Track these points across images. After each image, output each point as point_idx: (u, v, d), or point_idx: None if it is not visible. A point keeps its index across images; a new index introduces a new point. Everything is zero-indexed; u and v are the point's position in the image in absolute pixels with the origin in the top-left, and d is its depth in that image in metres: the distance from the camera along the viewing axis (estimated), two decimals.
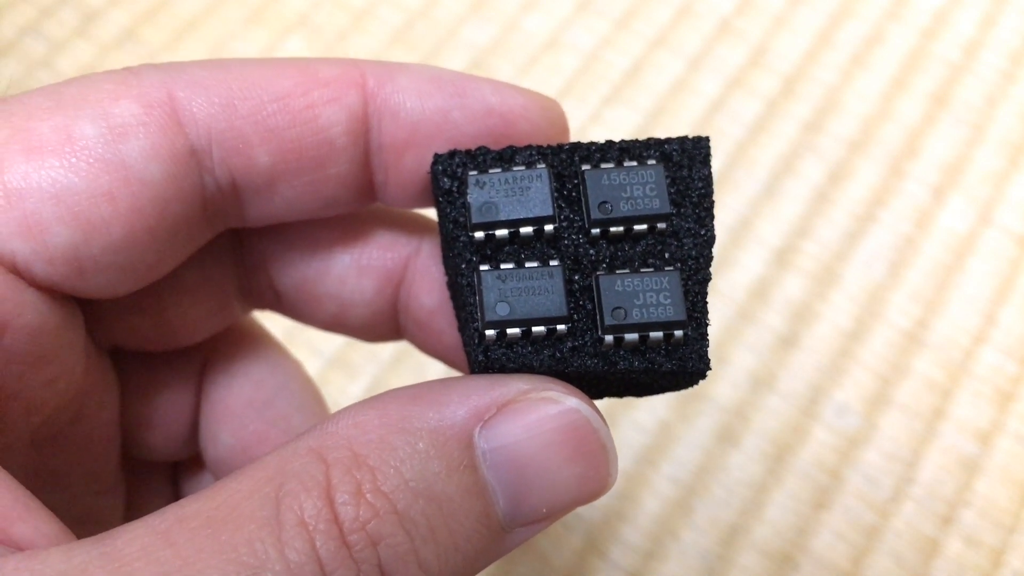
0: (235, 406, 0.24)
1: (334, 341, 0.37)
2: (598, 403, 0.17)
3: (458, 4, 0.46)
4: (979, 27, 0.45)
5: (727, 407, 0.36)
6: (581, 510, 0.34)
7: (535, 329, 0.17)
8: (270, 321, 0.26)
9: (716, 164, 0.42)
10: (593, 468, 0.17)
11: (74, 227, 0.17)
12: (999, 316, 0.38)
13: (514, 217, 0.17)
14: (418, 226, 0.23)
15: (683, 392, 0.36)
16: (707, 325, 0.17)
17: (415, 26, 0.45)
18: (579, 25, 0.45)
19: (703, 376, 0.18)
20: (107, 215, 0.17)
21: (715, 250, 0.18)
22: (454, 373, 0.24)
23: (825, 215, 0.40)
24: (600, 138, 0.19)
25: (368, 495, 0.14)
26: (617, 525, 0.34)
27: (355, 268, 0.22)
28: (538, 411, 0.16)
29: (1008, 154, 0.42)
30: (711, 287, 0.36)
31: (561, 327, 0.17)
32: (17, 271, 0.17)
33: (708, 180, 0.18)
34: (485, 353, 0.17)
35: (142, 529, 0.14)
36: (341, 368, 0.37)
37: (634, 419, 0.36)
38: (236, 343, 0.24)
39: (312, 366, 0.26)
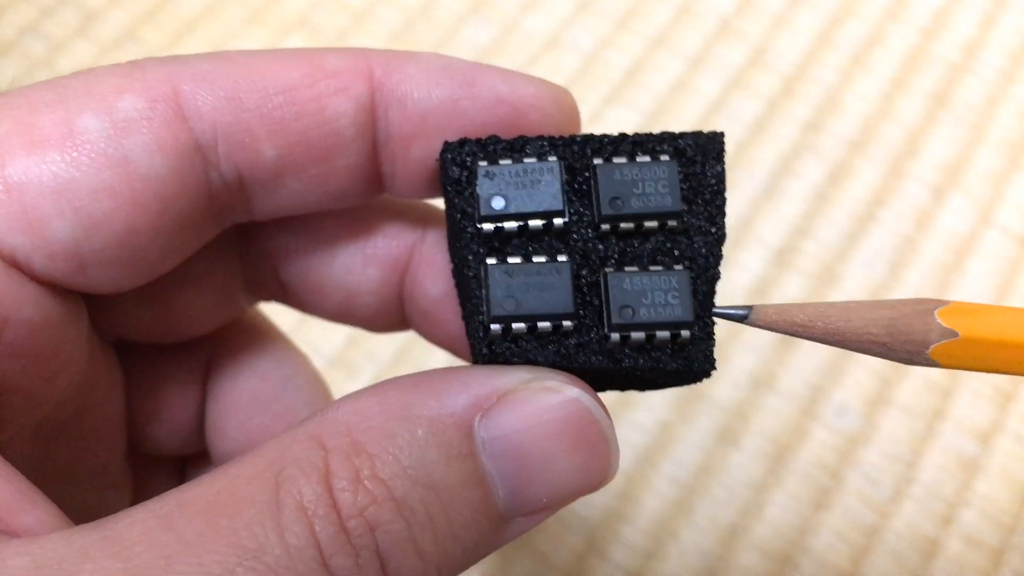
0: (241, 399, 0.24)
1: (334, 340, 0.37)
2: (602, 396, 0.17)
3: (458, 4, 0.46)
4: (979, 27, 0.45)
5: (727, 407, 0.36)
6: (580, 509, 0.34)
7: (540, 325, 0.16)
8: (273, 319, 0.26)
9: None
10: (594, 458, 0.16)
11: (75, 222, 0.17)
12: None
13: (524, 210, 0.17)
14: (423, 215, 0.22)
15: (683, 392, 0.37)
16: (714, 324, 0.17)
17: (415, 26, 0.45)
18: (579, 25, 0.45)
19: (707, 375, 0.18)
20: (108, 210, 0.17)
21: None
22: (456, 363, 0.24)
23: (825, 215, 0.40)
24: None
25: (366, 482, 0.14)
26: (617, 525, 0.34)
27: (360, 257, 0.22)
28: (539, 401, 0.16)
29: (1008, 154, 0.42)
30: None
31: (567, 323, 0.17)
32: (17, 265, 0.17)
33: (721, 177, 0.18)
34: (489, 347, 0.17)
35: (143, 513, 0.14)
36: (341, 368, 0.37)
37: (634, 419, 0.36)
38: (242, 336, 0.24)
39: None
